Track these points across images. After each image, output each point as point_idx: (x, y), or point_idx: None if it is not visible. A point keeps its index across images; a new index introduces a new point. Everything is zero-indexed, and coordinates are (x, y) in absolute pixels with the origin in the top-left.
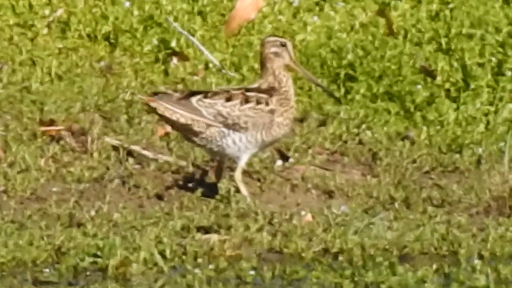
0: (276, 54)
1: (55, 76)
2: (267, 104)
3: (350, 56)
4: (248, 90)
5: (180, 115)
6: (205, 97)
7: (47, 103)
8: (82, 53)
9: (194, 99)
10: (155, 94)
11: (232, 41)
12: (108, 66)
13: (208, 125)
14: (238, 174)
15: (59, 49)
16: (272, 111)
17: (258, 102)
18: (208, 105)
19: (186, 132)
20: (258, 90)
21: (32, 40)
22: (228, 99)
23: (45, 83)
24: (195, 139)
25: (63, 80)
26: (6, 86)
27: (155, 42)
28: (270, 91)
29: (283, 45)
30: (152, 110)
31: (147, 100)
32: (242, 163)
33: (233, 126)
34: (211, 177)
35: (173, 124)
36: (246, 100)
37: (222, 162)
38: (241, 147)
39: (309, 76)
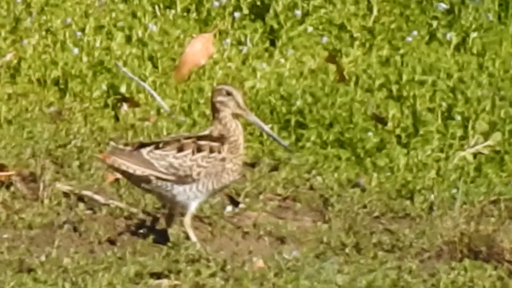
0: (222, 103)
1: (4, 121)
2: (219, 152)
3: (299, 103)
4: (199, 138)
5: (135, 168)
6: (156, 148)
7: None
8: (32, 99)
9: (144, 151)
10: (110, 151)
11: (182, 87)
12: (58, 111)
13: (159, 178)
14: (187, 220)
15: (9, 94)
16: (223, 159)
17: (211, 151)
18: (159, 157)
19: (141, 182)
20: (210, 138)
21: None
22: (180, 149)
23: None
24: (147, 187)
25: (12, 124)
26: None
27: (104, 87)
28: (221, 138)
29: (229, 93)
30: (109, 166)
31: (102, 157)
32: (191, 209)
33: (185, 178)
34: (162, 224)
35: (130, 176)
36: (199, 149)
37: (173, 209)
38: (191, 196)
39: (259, 124)
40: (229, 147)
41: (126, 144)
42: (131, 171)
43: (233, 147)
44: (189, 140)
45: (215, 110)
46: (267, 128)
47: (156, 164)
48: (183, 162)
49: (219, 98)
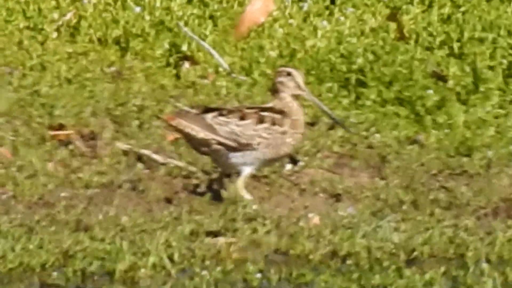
0: (282, 83)
1: (64, 80)
2: (281, 125)
3: (360, 61)
4: (262, 109)
5: (197, 131)
6: (220, 114)
7: (57, 107)
8: (92, 58)
9: (209, 116)
10: (176, 113)
11: (242, 45)
12: (118, 71)
13: (220, 143)
14: (240, 183)
15: (69, 53)
16: (284, 133)
17: (273, 123)
18: (223, 123)
19: (202, 146)
20: (273, 110)
21: (42, 44)
22: (242, 118)
23: (55, 87)
24: (207, 150)
25: (73, 84)
26: (17, 90)
27: (166, 46)
28: (283, 112)
29: (289, 74)
30: (173, 128)
31: (167, 118)
32: (245, 174)
33: (246, 146)
34: (219, 182)
35: (192, 139)
36: (261, 120)
37: (227, 171)
38: (247, 162)
39: (319, 104)
40: (291, 122)
41: (192, 107)
42: (194, 133)
43: (295, 124)
44: (252, 110)
45: (275, 91)
46: (326, 108)
47: (219, 130)
48: (244, 130)
49: (280, 79)
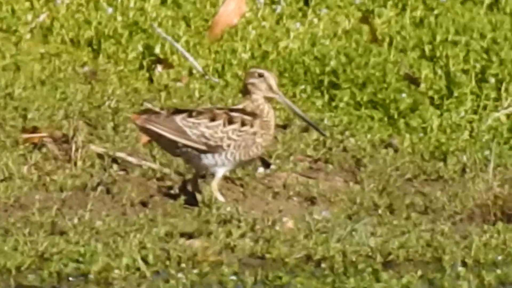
0: (254, 85)
1: (38, 82)
2: (251, 126)
3: (333, 63)
4: (232, 110)
5: (166, 133)
6: (189, 116)
7: (30, 110)
8: (65, 58)
9: (178, 118)
10: (143, 112)
11: (215, 47)
12: (93, 71)
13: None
14: (214, 184)
15: (42, 54)
16: (255, 133)
17: (243, 124)
18: (192, 125)
19: (169, 147)
20: (243, 111)
21: (16, 45)
22: (212, 119)
23: (28, 89)
24: (177, 152)
25: (46, 85)
26: None
27: (140, 48)
28: (254, 114)
29: (261, 75)
30: (140, 128)
31: (134, 118)
32: (219, 175)
33: (216, 148)
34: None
35: (158, 140)
36: (230, 121)
37: (199, 173)
38: (218, 163)
39: (292, 107)
40: (261, 123)
41: (161, 108)
42: (164, 135)
43: (265, 125)
44: (221, 111)
45: (247, 92)
46: (299, 110)
47: (189, 132)
48: (214, 133)
49: (251, 80)
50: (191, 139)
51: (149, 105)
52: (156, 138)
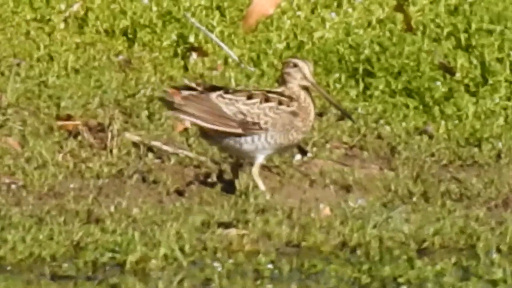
0: (289, 74)
1: (72, 70)
2: (288, 106)
3: (367, 52)
4: (270, 91)
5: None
6: (226, 92)
7: (64, 97)
8: (99, 48)
9: (214, 95)
10: (181, 88)
11: (250, 37)
12: (127, 60)
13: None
14: (255, 170)
15: (77, 44)
16: (293, 113)
17: (279, 103)
18: (229, 102)
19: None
20: (281, 94)
21: (49, 35)
22: (249, 97)
23: (62, 77)
24: (215, 136)
25: (80, 74)
26: (24, 81)
27: (173, 37)
28: (292, 97)
29: (295, 65)
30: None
31: (171, 92)
32: (259, 160)
33: (253, 126)
34: (230, 173)
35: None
36: (267, 99)
37: (240, 159)
38: (259, 146)
39: (325, 96)
40: (299, 107)
41: (198, 84)
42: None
43: (304, 110)
44: (259, 91)
45: (283, 81)
46: (332, 98)
47: (225, 109)
48: (251, 109)
49: (287, 70)
50: (227, 116)
51: (187, 82)
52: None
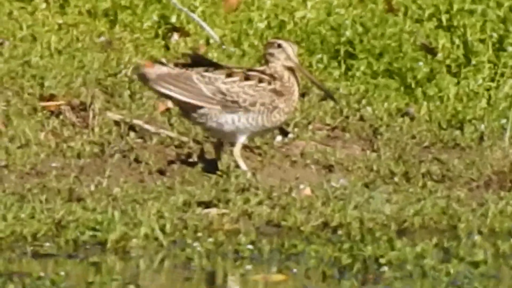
0: (272, 55)
1: (55, 51)
2: (269, 84)
3: (349, 33)
4: (250, 70)
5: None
6: (206, 70)
7: (48, 78)
8: (82, 29)
9: (194, 75)
10: (156, 62)
11: (232, 17)
12: (109, 41)
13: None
14: (237, 150)
15: (59, 24)
16: (274, 91)
17: (260, 81)
18: (208, 81)
19: (185, 108)
20: (262, 72)
21: (31, 14)
22: (229, 75)
23: (45, 58)
24: (195, 115)
25: (63, 54)
26: (7, 61)
27: (155, 18)
28: (274, 76)
29: (279, 46)
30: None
31: (147, 65)
32: (241, 140)
33: (232, 104)
34: (211, 153)
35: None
36: (247, 78)
37: (221, 140)
38: (240, 128)
39: (309, 77)
40: (282, 86)
41: (175, 65)
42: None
43: (287, 89)
44: (239, 70)
45: (266, 62)
46: (317, 80)
47: (204, 89)
48: (230, 88)
49: (270, 51)
50: (206, 96)
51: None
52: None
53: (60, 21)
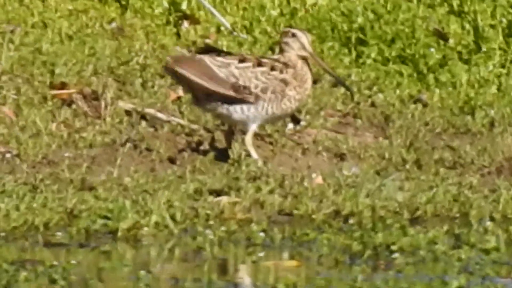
0: (287, 44)
1: (66, 37)
2: (281, 72)
3: (360, 20)
4: (263, 57)
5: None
6: (219, 55)
7: (58, 64)
8: (92, 15)
9: (207, 58)
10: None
11: (243, 4)
12: (120, 27)
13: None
14: (248, 138)
15: (70, 10)
16: (284, 81)
17: (272, 69)
18: (221, 64)
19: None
20: (275, 60)
21: (43, 1)
22: (242, 61)
23: (56, 44)
24: (207, 104)
25: (73, 40)
26: (18, 48)
27: (165, 4)
28: (287, 64)
29: (294, 35)
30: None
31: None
32: (252, 129)
33: (244, 90)
34: (222, 141)
35: (190, 85)
36: (259, 64)
37: (232, 128)
38: (250, 116)
39: (323, 66)
40: (294, 74)
41: (190, 51)
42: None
43: (299, 78)
44: (252, 56)
45: (281, 51)
46: (330, 70)
47: (217, 71)
48: (243, 72)
49: (285, 39)
50: (220, 78)
51: (180, 50)
52: (186, 83)
53: (71, 7)
